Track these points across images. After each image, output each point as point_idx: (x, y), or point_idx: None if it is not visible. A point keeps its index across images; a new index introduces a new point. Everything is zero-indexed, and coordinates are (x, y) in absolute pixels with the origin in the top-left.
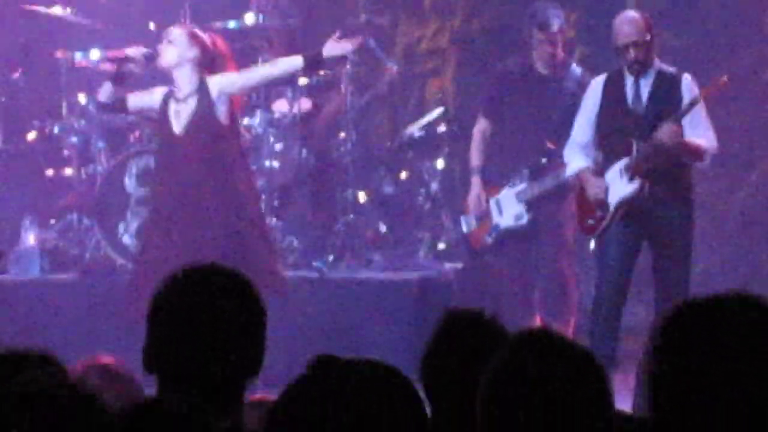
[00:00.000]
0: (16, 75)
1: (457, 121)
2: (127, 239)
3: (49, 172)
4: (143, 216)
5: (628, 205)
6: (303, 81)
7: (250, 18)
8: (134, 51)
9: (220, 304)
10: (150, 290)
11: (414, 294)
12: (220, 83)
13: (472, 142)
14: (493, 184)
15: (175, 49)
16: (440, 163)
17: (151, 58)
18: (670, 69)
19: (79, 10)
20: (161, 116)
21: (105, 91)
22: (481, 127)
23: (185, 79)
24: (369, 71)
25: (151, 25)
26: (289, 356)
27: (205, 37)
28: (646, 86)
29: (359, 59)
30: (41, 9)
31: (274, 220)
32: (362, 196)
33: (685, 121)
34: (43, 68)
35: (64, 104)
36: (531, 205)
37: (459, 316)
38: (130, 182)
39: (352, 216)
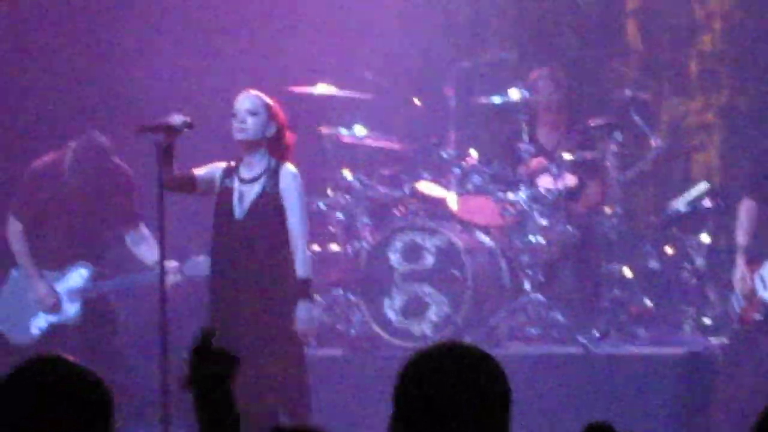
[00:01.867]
0: None
1: (722, 196)
2: (392, 315)
3: (315, 247)
4: (409, 292)
5: None
6: (568, 156)
7: (514, 93)
8: (176, 120)
9: (468, 380)
10: None
11: (679, 369)
12: (292, 187)
13: (737, 220)
14: (757, 258)
15: (257, 123)
16: (705, 238)
17: (189, 126)
18: None
19: (343, 86)
20: (222, 197)
21: (161, 178)
22: (745, 206)
23: (256, 159)
24: (634, 146)
25: (416, 101)
26: (552, 430)
27: (278, 107)
28: None
29: (623, 135)
30: (306, 89)
31: (539, 295)
32: (627, 271)
33: None
34: (308, 144)
35: (329, 180)
36: None
37: None
38: (395, 257)
39: (617, 291)
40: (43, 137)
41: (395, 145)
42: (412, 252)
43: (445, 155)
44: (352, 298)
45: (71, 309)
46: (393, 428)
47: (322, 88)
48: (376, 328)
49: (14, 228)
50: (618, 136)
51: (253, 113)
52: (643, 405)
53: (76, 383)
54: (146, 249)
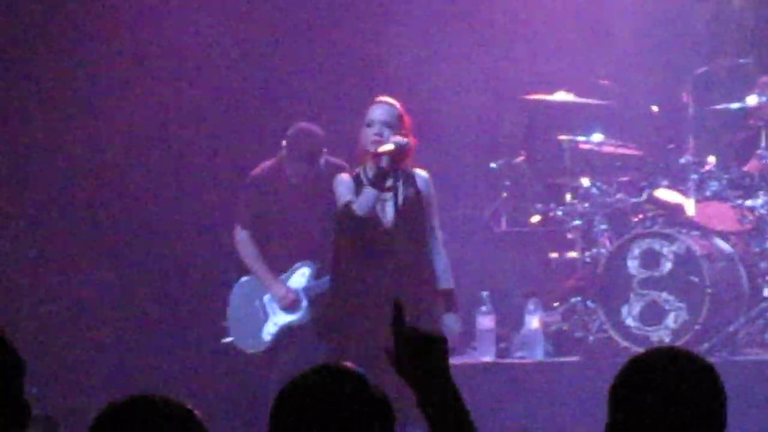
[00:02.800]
0: (520, 159)
1: None
2: (631, 322)
3: (553, 254)
4: (647, 299)
5: None
6: None
7: (752, 99)
8: (392, 147)
9: (681, 387)
10: None
11: None
12: (431, 192)
13: None
14: None
15: (394, 136)
16: None
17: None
18: None
19: (581, 94)
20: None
21: (369, 203)
22: None
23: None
24: None
25: (654, 108)
26: None
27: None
28: None
29: None
30: (544, 97)
31: None
32: None
33: None
34: (546, 152)
35: (568, 187)
36: None
37: None
38: (633, 264)
39: None
40: (261, 148)
41: (633, 152)
42: (651, 259)
43: (683, 162)
44: (591, 304)
45: (300, 309)
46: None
47: (561, 96)
48: (615, 335)
49: (242, 237)
50: None
51: (389, 126)
52: None
53: (364, 395)
54: None
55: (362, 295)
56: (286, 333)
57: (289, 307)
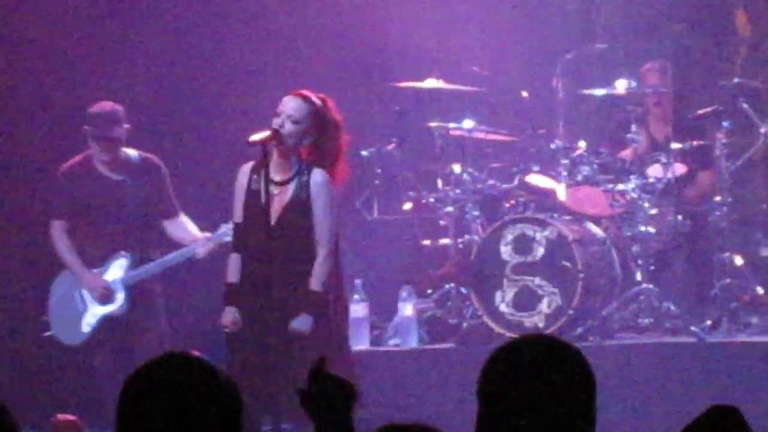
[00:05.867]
0: (391, 146)
1: None
2: (504, 308)
3: (426, 241)
4: (520, 284)
5: None
6: (676, 146)
7: (621, 84)
8: (262, 136)
9: (545, 372)
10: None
11: None
12: (324, 195)
13: None
14: None
15: (295, 131)
16: None
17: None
18: None
19: (451, 81)
20: (251, 199)
21: None
22: None
23: (289, 162)
24: (743, 134)
25: (524, 93)
26: (666, 419)
27: (321, 104)
28: None
29: (733, 123)
30: (414, 84)
31: (651, 285)
32: (738, 260)
33: None
34: (417, 139)
35: (439, 174)
36: None
37: None
38: (505, 250)
39: (728, 280)
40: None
41: (504, 138)
42: (523, 244)
43: (554, 147)
44: (464, 291)
45: (117, 299)
46: (479, 424)
47: (431, 83)
48: (489, 321)
49: (56, 229)
50: (727, 124)
51: (295, 121)
52: (757, 393)
53: (206, 383)
54: (183, 232)
55: (247, 292)
56: (105, 324)
57: (104, 299)
